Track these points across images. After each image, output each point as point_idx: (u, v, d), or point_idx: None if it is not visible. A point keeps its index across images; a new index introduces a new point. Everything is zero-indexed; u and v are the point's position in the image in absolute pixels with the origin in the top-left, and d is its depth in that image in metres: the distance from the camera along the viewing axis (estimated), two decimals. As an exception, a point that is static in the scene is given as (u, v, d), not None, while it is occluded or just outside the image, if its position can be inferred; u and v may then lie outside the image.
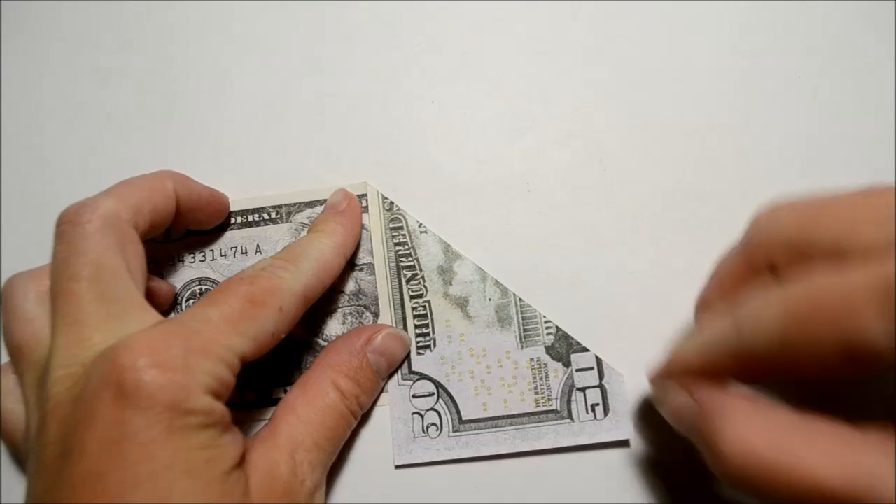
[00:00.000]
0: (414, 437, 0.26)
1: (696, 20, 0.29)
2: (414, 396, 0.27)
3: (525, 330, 0.27)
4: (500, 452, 0.26)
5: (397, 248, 0.28)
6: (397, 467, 0.26)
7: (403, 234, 0.28)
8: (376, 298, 0.27)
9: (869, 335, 0.16)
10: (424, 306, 0.27)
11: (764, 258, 0.20)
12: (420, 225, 0.28)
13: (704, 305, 0.23)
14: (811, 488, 0.17)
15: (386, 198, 0.28)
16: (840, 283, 0.17)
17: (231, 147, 0.30)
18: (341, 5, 0.31)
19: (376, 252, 0.28)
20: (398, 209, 0.28)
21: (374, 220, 0.28)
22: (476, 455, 0.26)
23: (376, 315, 0.27)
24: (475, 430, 0.26)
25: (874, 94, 0.28)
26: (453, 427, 0.26)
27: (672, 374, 0.22)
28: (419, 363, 0.27)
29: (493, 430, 0.26)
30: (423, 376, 0.27)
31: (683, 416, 0.21)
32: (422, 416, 0.27)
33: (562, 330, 0.27)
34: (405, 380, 0.27)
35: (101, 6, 0.32)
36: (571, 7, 0.30)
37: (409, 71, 0.30)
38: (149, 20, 0.31)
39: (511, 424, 0.26)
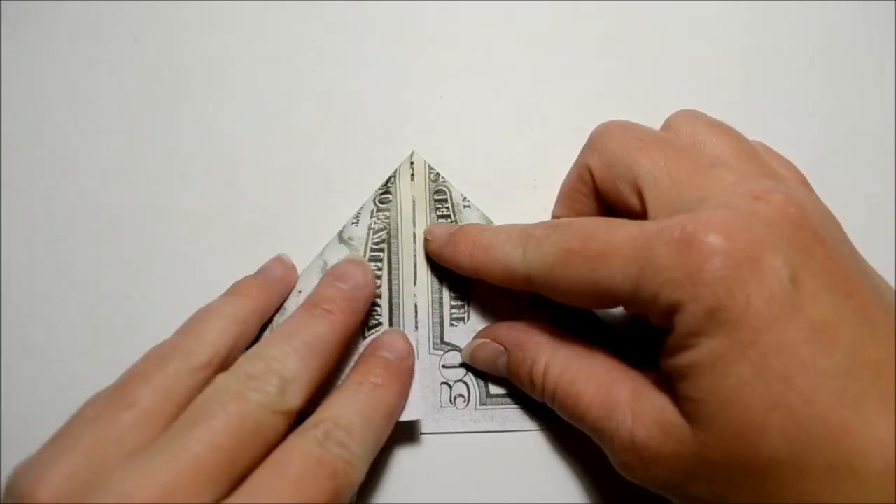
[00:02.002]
0: (441, 406, 0.27)
1: (701, 19, 0.31)
2: (444, 367, 0.27)
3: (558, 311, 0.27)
4: (525, 429, 0.27)
5: (440, 219, 0.28)
6: (422, 433, 0.26)
7: (447, 206, 0.28)
8: (414, 265, 0.27)
9: (613, 278, 0.20)
10: (463, 279, 0.27)
11: (588, 170, 0.24)
12: (464, 198, 0.28)
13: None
14: (582, 411, 0.22)
15: (432, 169, 0.29)
16: (607, 233, 0.21)
17: (238, 143, 0.30)
18: (348, 4, 0.31)
19: (419, 221, 0.28)
20: (443, 181, 0.28)
21: (419, 190, 0.28)
22: (501, 429, 0.26)
23: (414, 283, 0.27)
24: (501, 405, 0.27)
25: (875, 94, 0.30)
26: (480, 400, 0.27)
27: (483, 334, 0.26)
28: (452, 334, 0.27)
29: (520, 406, 0.27)
30: (454, 348, 0.27)
31: (495, 361, 0.26)
32: (450, 387, 0.27)
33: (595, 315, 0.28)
34: (436, 349, 0.27)
35: (109, 2, 0.31)
36: (578, 5, 0.31)
37: (416, 67, 0.30)
38: (156, 16, 0.31)
39: (538, 402, 0.27)
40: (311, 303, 0.24)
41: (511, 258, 0.23)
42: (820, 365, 0.18)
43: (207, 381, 0.22)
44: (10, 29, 0.31)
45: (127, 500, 0.18)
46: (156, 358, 0.22)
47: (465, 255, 0.25)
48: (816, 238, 0.19)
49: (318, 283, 0.25)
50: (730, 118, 0.24)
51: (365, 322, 0.27)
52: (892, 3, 0.31)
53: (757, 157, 0.22)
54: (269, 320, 0.26)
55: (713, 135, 0.23)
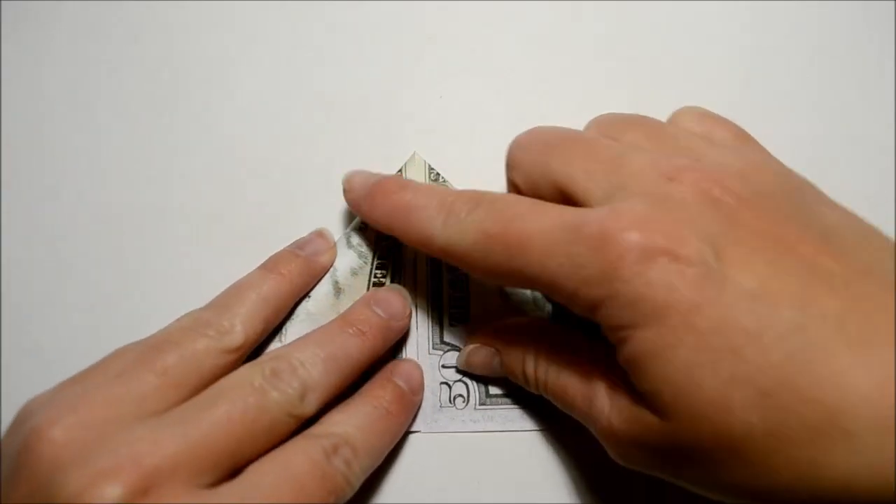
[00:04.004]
0: (440, 406, 0.27)
1: (701, 19, 0.31)
2: (443, 367, 0.27)
3: (558, 310, 0.27)
4: (525, 429, 0.26)
5: (441, 219, 0.28)
6: (422, 433, 0.26)
7: (449, 206, 0.28)
8: (414, 266, 0.28)
9: (532, 269, 0.20)
10: (462, 278, 0.28)
11: (515, 186, 0.24)
12: (466, 199, 0.28)
13: None
14: (570, 401, 0.22)
15: (432, 169, 0.29)
16: (529, 220, 0.20)
17: (238, 143, 0.30)
18: (348, 4, 0.31)
19: (421, 220, 0.28)
20: (444, 181, 0.28)
21: None
22: (501, 429, 0.26)
23: (415, 283, 0.27)
24: (501, 405, 0.27)
25: (875, 94, 0.30)
26: (480, 400, 0.27)
27: (474, 339, 0.26)
28: (451, 334, 0.27)
29: (520, 406, 0.27)
30: (454, 347, 0.27)
31: (490, 363, 0.26)
32: (450, 387, 0.27)
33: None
34: (436, 349, 0.27)
35: (109, 2, 0.31)
36: (578, 5, 0.31)
37: (416, 67, 0.30)
38: (156, 16, 0.31)
39: (538, 402, 0.27)
40: (346, 320, 0.25)
41: (429, 226, 0.22)
42: (766, 329, 0.17)
43: (235, 363, 0.23)
44: (10, 29, 0.31)
45: (132, 463, 0.19)
46: (189, 330, 0.23)
47: (382, 213, 0.24)
48: (741, 202, 0.19)
49: (356, 303, 0.26)
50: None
51: None
52: (892, 3, 0.31)
53: (671, 139, 0.22)
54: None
55: (628, 127, 0.23)
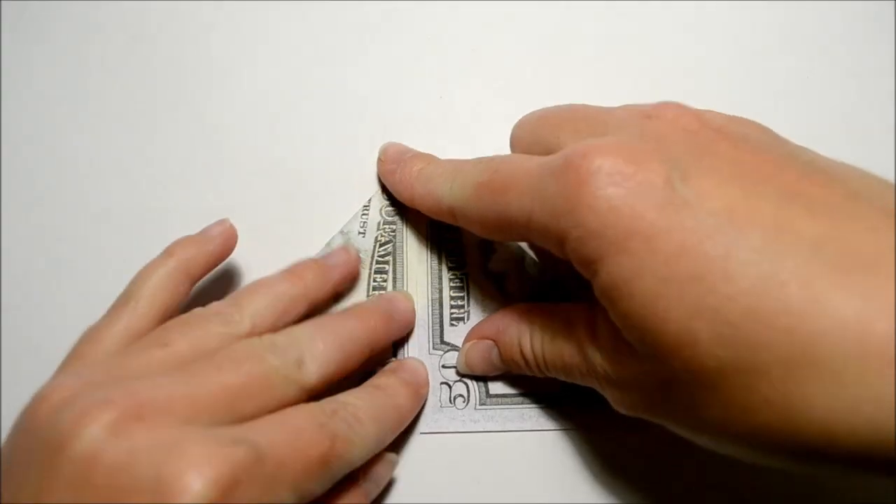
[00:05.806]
0: (441, 406, 0.27)
1: (701, 19, 0.31)
2: (443, 367, 0.27)
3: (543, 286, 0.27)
4: (524, 429, 0.26)
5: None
6: (422, 433, 0.26)
7: (449, 206, 0.28)
8: (415, 267, 0.28)
9: (511, 210, 0.20)
10: (462, 278, 0.28)
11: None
12: (466, 199, 0.28)
13: None
14: (568, 365, 0.22)
15: (434, 168, 0.29)
16: (513, 167, 0.21)
17: (238, 142, 0.30)
18: (349, 4, 0.31)
19: (419, 222, 0.28)
20: (444, 181, 0.28)
21: None
22: (501, 429, 0.26)
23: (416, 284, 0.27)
24: (501, 405, 0.27)
25: (875, 94, 0.30)
26: (480, 400, 0.27)
27: (470, 336, 0.27)
28: (451, 334, 0.27)
29: (520, 406, 0.27)
30: (454, 347, 0.27)
31: (489, 356, 0.26)
32: (450, 387, 0.27)
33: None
34: (436, 349, 0.27)
35: (109, 2, 0.31)
36: (578, 5, 0.31)
37: (417, 67, 0.31)
38: (156, 16, 0.31)
39: (538, 402, 0.27)
40: (348, 310, 0.25)
41: (441, 191, 0.24)
42: (733, 254, 0.16)
43: None
44: (10, 29, 0.31)
45: (130, 399, 0.19)
46: (199, 316, 0.23)
47: (406, 185, 0.26)
48: (720, 136, 0.19)
49: (366, 301, 0.27)
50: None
51: None
52: (893, 2, 0.31)
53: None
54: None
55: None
